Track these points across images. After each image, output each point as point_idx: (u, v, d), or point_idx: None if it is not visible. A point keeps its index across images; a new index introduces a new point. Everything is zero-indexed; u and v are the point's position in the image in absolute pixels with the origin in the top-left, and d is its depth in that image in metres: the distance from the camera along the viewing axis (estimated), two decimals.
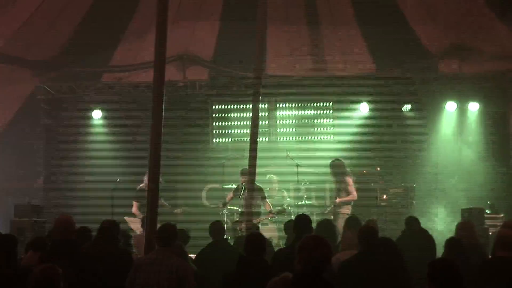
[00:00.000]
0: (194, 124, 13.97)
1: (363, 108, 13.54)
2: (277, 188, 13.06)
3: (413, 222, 8.44)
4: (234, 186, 12.66)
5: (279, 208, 11.98)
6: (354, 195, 11.56)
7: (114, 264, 5.98)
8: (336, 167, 11.74)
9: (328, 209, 11.89)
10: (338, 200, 11.56)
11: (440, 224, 12.01)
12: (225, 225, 10.08)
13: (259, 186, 11.47)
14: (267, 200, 11.94)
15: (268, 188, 12.83)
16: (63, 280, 4.48)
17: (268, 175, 13.07)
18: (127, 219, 11.35)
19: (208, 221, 13.54)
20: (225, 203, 12.12)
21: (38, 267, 4.52)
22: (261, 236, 6.06)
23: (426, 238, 8.08)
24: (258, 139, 10.15)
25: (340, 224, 10.73)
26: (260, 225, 10.65)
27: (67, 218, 6.34)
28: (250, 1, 10.55)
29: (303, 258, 4.33)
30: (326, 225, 7.34)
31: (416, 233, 8.19)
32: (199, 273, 6.65)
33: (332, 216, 11.25)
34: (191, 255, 7.73)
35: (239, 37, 12.74)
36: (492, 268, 5.69)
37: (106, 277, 5.84)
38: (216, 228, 7.72)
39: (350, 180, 11.60)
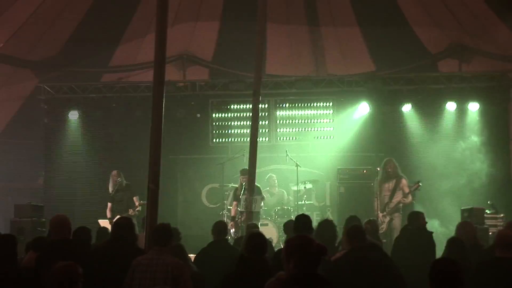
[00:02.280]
0: (194, 124, 13.96)
1: (363, 108, 13.54)
2: (277, 188, 13.05)
3: (411, 218, 8.36)
4: (234, 185, 12.63)
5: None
6: (410, 197, 11.52)
7: (129, 264, 5.89)
8: (394, 165, 11.61)
9: (388, 209, 11.54)
10: (408, 200, 11.43)
11: (440, 224, 12.00)
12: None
13: (257, 186, 11.47)
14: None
15: (268, 188, 12.83)
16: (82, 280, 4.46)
17: (268, 175, 13.07)
18: (100, 221, 11.36)
19: (207, 221, 13.63)
20: (233, 218, 11.87)
21: (59, 264, 4.46)
22: (262, 236, 6.05)
23: (423, 235, 8.01)
24: (258, 139, 10.14)
25: (397, 223, 10.80)
26: (260, 225, 10.64)
27: (62, 217, 6.30)
28: (250, 1, 10.55)
29: (295, 258, 4.33)
30: (326, 225, 7.32)
31: (412, 230, 8.11)
32: (198, 273, 6.65)
33: (388, 217, 11.13)
34: (191, 255, 7.73)
35: (239, 37, 12.75)
36: (492, 268, 5.69)
37: (120, 276, 5.77)
38: (219, 227, 7.72)
39: (406, 181, 11.55)
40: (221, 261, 6.86)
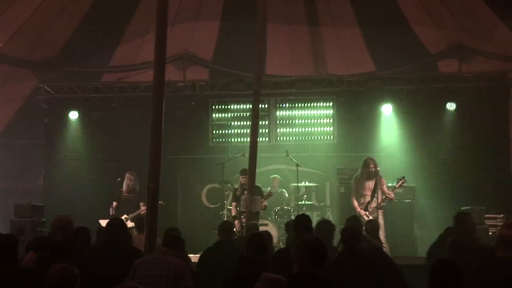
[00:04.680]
0: (194, 124, 13.96)
1: (363, 108, 13.54)
2: (278, 189, 13.03)
3: (464, 219, 7.73)
4: (234, 185, 12.62)
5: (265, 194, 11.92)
6: (392, 194, 11.35)
7: (128, 263, 5.91)
8: (376, 164, 11.39)
9: (370, 209, 11.28)
10: (390, 197, 11.24)
11: (440, 224, 12.00)
12: None
13: (258, 186, 11.46)
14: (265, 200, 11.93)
15: (269, 188, 12.84)
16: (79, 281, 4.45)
17: (271, 176, 13.06)
18: (101, 221, 11.35)
19: (207, 221, 13.63)
20: (235, 218, 11.82)
21: (54, 267, 4.46)
22: (262, 236, 6.06)
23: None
24: (258, 139, 10.14)
25: (381, 220, 10.96)
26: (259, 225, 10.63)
27: (64, 218, 6.33)
28: (250, 1, 10.54)
29: (299, 258, 4.34)
30: (325, 225, 7.32)
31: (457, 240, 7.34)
32: (198, 273, 6.66)
33: (371, 217, 11.08)
34: (191, 255, 7.73)
35: (239, 37, 12.75)
36: (493, 268, 5.68)
37: (118, 276, 5.77)
38: (225, 227, 7.73)
39: (384, 180, 11.47)
40: (226, 261, 6.85)
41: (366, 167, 11.45)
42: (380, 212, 11.21)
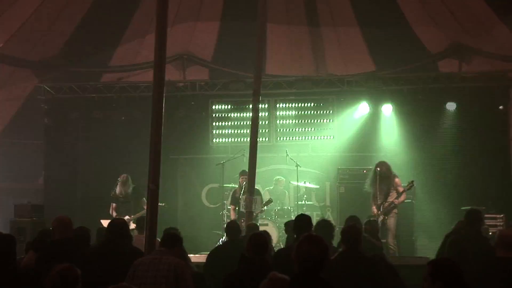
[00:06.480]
0: (194, 124, 13.96)
1: (363, 108, 13.54)
2: (282, 188, 13.02)
3: (470, 218, 7.64)
4: (234, 185, 12.61)
5: (265, 200, 11.94)
6: (404, 195, 11.44)
7: (128, 263, 5.91)
8: (386, 168, 11.47)
9: (382, 209, 11.27)
10: (397, 201, 11.27)
11: (440, 224, 12.00)
12: (224, 225, 10.08)
13: (257, 189, 11.45)
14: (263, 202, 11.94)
15: (272, 186, 12.86)
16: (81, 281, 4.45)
17: (275, 177, 13.04)
18: (102, 221, 11.35)
19: (207, 221, 13.62)
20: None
21: (56, 268, 4.46)
22: (263, 236, 6.05)
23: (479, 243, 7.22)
24: (258, 139, 10.14)
25: (391, 223, 10.99)
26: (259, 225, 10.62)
27: (65, 218, 6.36)
28: (250, 1, 10.55)
29: (298, 258, 4.33)
30: (324, 225, 7.31)
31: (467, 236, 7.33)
32: (198, 273, 6.66)
33: (382, 216, 11.10)
34: (191, 255, 7.73)
35: (239, 37, 12.75)
36: (493, 268, 5.69)
37: (118, 276, 5.77)
38: (231, 227, 7.73)
39: (399, 181, 11.54)
40: (233, 260, 6.84)
41: (376, 170, 11.51)
42: (392, 214, 11.21)
